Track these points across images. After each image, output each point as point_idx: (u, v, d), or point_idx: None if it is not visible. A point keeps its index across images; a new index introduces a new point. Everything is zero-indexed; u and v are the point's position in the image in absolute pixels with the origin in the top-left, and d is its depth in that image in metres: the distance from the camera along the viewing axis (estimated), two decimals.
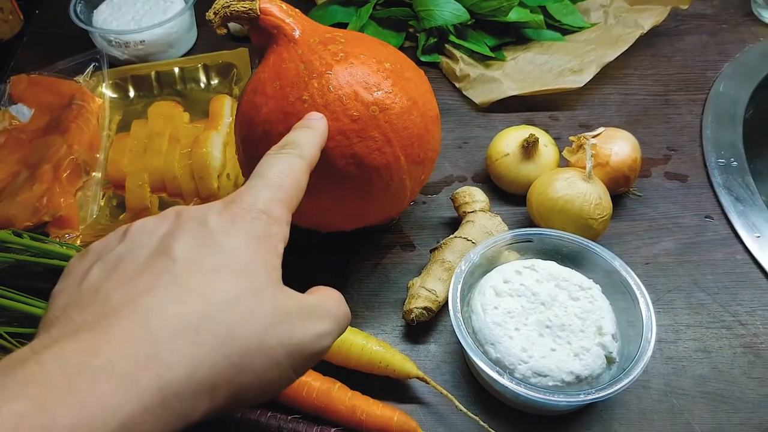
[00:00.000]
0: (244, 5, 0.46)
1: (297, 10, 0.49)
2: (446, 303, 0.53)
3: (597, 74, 0.70)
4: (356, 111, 0.46)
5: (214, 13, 0.45)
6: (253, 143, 0.49)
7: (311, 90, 0.46)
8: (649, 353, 0.45)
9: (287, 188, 0.34)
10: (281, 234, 0.32)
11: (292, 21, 0.48)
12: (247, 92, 0.50)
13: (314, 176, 0.48)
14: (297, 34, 0.47)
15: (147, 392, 0.23)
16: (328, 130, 0.44)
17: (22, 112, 0.71)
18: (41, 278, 0.58)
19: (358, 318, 0.54)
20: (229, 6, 0.46)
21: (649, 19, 0.74)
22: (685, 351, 0.51)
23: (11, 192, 0.62)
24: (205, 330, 0.25)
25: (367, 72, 0.47)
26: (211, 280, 0.27)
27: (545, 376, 0.45)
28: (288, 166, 0.35)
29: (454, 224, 0.60)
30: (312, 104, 0.46)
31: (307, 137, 0.39)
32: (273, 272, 0.30)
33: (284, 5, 0.48)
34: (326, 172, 0.47)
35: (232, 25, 0.77)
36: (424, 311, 0.52)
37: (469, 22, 0.73)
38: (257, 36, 0.49)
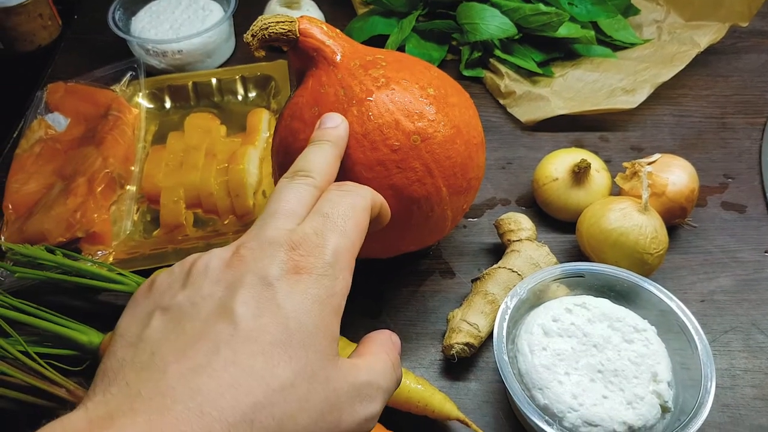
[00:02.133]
0: (283, 27, 0.44)
1: (338, 30, 0.47)
2: (488, 338, 0.51)
3: (650, 95, 0.66)
4: (397, 141, 0.44)
5: (252, 35, 0.44)
6: None
7: (350, 118, 0.44)
8: (709, 405, 0.42)
9: (352, 233, 0.32)
10: (346, 289, 0.30)
11: (333, 43, 0.46)
12: (285, 116, 0.48)
13: None
14: (338, 57, 0.45)
15: None
16: (364, 158, 0.42)
17: (59, 121, 0.70)
18: (72, 295, 0.57)
19: None
20: (267, 28, 0.44)
21: (706, 36, 0.70)
22: (743, 398, 0.48)
23: (45, 205, 0.61)
24: (258, 423, 0.25)
25: (409, 99, 0.45)
26: (268, 360, 0.26)
27: (596, 426, 0.42)
28: (351, 207, 0.33)
29: (496, 251, 0.58)
30: (351, 132, 0.44)
31: (367, 190, 0.36)
32: (332, 344, 0.29)
33: (325, 26, 0.46)
34: None
35: None
36: (465, 347, 0.49)
37: (517, 37, 0.71)
38: (296, 58, 0.47)
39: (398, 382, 0.33)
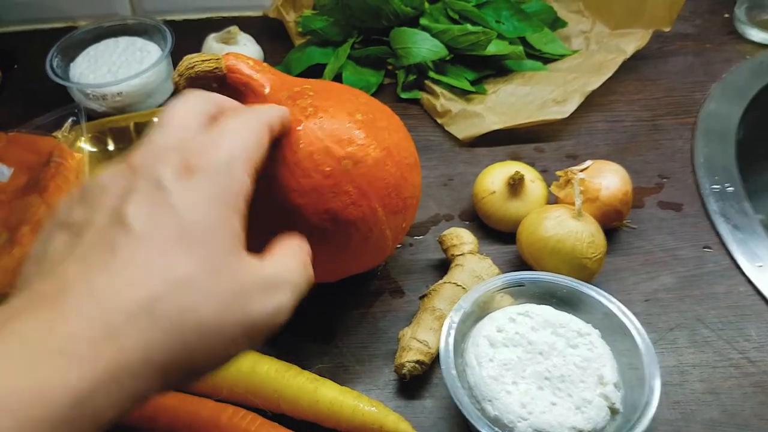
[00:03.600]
0: (209, 65, 0.45)
1: (265, 64, 0.48)
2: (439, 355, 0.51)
3: (582, 102, 0.68)
4: (328, 166, 0.45)
5: (179, 75, 0.44)
6: None
7: (281, 148, 0.44)
8: (655, 403, 0.43)
9: (248, 142, 0.32)
10: (244, 189, 0.30)
11: (261, 77, 0.46)
12: None
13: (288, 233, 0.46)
14: (266, 90, 0.46)
15: (101, 373, 0.24)
16: (297, 186, 0.43)
17: (2, 172, 0.69)
18: None
19: (348, 373, 0.52)
20: (193, 67, 0.44)
21: (632, 43, 0.73)
22: (693, 394, 0.49)
23: None
24: (159, 314, 0.25)
25: (338, 125, 0.46)
26: (165, 257, 0.27)
27: None
28: (246, 122, 0.33)
29: (443, 266, 0.58)
30: (282, 161, 0.44)
31: (266, 106, 0.38)
32: (233, 239, 0.29)
33: (251, 61, 0.47)
34: (301, 229, 0.45)
35: None
36: (416, 365, 0.49)
37: (448, 58, 0.72)
38: (226, 94, 0.47)
39: (310, 281, 0.33)
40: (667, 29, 0.74)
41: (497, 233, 0.60)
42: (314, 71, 0.74)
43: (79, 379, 0.23)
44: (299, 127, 0.45)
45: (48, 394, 0.23)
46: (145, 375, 0.25)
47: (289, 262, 0.33)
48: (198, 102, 0.34)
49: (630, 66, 0.74)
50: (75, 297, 0.25)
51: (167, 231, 0.27)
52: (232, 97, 0.47)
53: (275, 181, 0.45)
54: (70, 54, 0.78)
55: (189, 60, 0.45)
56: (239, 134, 0.32)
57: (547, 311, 0.49)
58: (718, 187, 0.62)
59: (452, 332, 0.47)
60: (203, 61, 0.45)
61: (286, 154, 0.45)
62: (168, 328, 0.26)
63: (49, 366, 0.23)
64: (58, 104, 0.73)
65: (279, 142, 0.45)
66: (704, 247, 0.58)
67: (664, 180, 0.64)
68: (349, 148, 0.46)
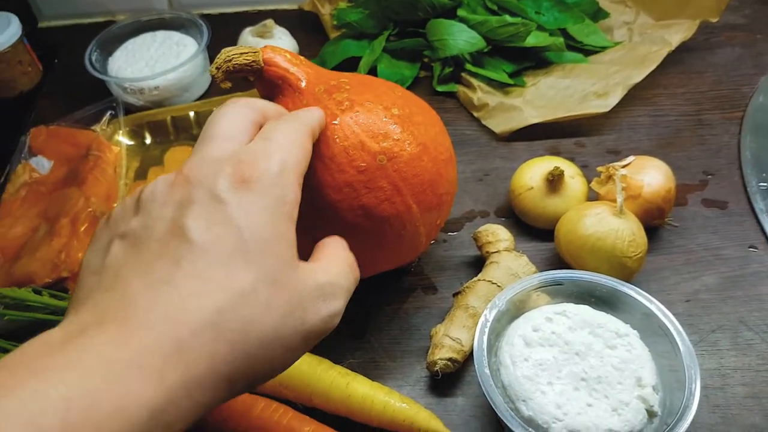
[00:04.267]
0: (247, 57, 0.44)
1: (302, 57, 0.47)
2: (473, 352, 0.50)
3: (624, 96, 0.66)
4: (363, 161, 0.44)
5: (217, 68, 0.44)
6: None
7: (317, 142, 0.44)
8: (695, 407, 0.41)
9: (296, 152, 0.33)
10: (296, 201, 0.31)
11: (297, 70, 0.46)
12: None
13: (323, 229, 0.46)
14: (303, 83, 0.46)
15: (172, 386, 0.24)
16: (332, 181, 0.43)
17: (42, 164, 0.71)
18: None
19: (379, 369, 0.52)
20: (231, 60, 0.44)
21: (677, 34, 0.71)
22: (734, 398, 0.47)
23: (31, 248, 0.62)
24: (224, 326, 0.26)
25: (374, 120, 0.45)
26: (227, 269, 0.27)
27: None
28: (293, 130, 0.34)
29: (477, 263, 0.57)
30: (317, 156, 0.44)
31: (305, 112, 0.38)
32: (289, 249, 0.30)
33: (288, 54, 0.46)
34: (335, 225, 0.45)
35: None
36: (449, 362, 0.49)
37: (486, 49, 0.71)
38: (262, 87, 0.47)
39: (356, 281, 0.34)
40: (714, 20, 0.71)
41: (534, 230, 0.59)
42: (349, 64, 0.73)
43: (154, 392, 0.24)
44: (335, 122, 0.45)
45: (127, 407, 0.23)
46: (212, 386, 0.26)
47: (339, 266, 0.33)
48: (242, 111, 0.34)
49: (675, 58, 0.71)
50: (143, 311, 0.25)
51: (227, 243, 0.28)
52: (268, 91, 0.48)
53: (310, 176, 0.45)
54: (109, 48, 0.80)
55: (227, 53, 0.45)
56: (287, 144, 0.32)
57: (584, 311, 0.48)
58: (765, 184, 0.59)
59: (486, 330, 0.46)
60: (241, 54, 0.45)
61: (321, 148, 0.44)
62: (232, 340, 0.26)
63: (126, 380, 0.23)
64: (96, 98, 0.75)
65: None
66: (750, 247, 0.56)
67: (709, 177, 0.62)
68: (384, 143, 0.45)
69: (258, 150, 0.31)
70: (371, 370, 0.50)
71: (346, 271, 0.34)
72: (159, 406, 0.24)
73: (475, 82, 0.71)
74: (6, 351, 0.51)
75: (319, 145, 0.44)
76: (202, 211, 0.28)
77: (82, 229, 0.62)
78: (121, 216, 0.31)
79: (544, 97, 0.68)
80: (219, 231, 0.28)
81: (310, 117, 0.37)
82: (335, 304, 0.31)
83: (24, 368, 0.23)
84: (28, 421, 0.21)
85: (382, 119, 0.46)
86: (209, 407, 0.26)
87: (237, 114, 0.34)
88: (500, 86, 0.71)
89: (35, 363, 0.23)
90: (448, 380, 0.50)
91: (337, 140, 0.44)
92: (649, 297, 0.47)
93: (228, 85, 0.46)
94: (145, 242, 0.28)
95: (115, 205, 0.66)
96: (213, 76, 0.45)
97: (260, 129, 0.34)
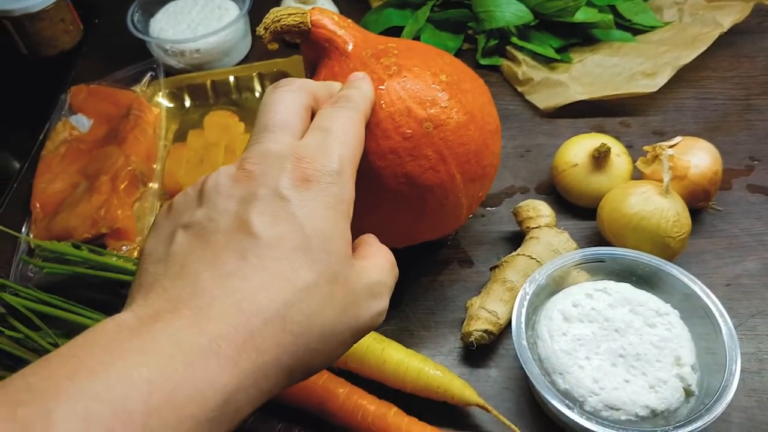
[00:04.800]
0: (295, 18, 0.44)
1: (350, 20, 0.47)
2: (508, 325, 0.50)
3: (672, 77, 0.65)
4: (409, 128, 0.44)
5: (265, 28, 0.44)
6: None
7: None
8: (734, 388, 0.41)
9: (353, 144, 0.33)
10: (352, 197, 0.32)
11: (345, 33, 0.46)
12: None
13: (364, 195, 0.46)
14: (350, 47, 0.45)
15: (244, 373, 0.25)
16: (377, 147, 0.43)
17: (82, 123, 0.72)
18: (99, 290, 0.58)
19: (414, 338, 0.52)
20: (279, 20, 0.44)
21: (729, 16, 0.69)
22: None
23: (71, 203, 0.63)
24: (290, 319, 0.27)
25: (421, 86, 0.45)
26: (291, 264, 0.28)
27: (618, 409, 0.42)
28: (348, 120, 0.34)
29: (515, 239, 0.57)
30: None
31: (356, 91, 0.38)
32: (347, 246, 0.31)
33: (336, 16, 0.46)
34: (377, 191, 0.45)
35: None
36: (484, 334, 0.49)
37: (533, 23, 0.70)
38: (309, 49, 0.47)
39: (396, 278, 0.35)
40: None
41: (575, 208, 0.59)
42: (391, 34, 0.72)
43: (228, 379, 0.25)
44: (381, 87, 0.44)
45: (204, 392, 0.24)
46: (276, 375, 0.27)
47: (384, 264, 0.34)
48: (296, 97, 0.35)
49: (725, 41, 0.69)
50: (216, 300, 0.26)
51: (291, 239, 0.29)
52: (314, 53, 0.47)
53: None
54: (151, 9, 0.80)
55: (275, 13, 0.45)
56: (343, 135, 0.33)
57: (625, 289, 0.47)
58: None
59: (525, 303, 0.46)
60: (289, 14, 0.45)
61: None
62: (297, 333, 0.27)
63: (204, 365, 0.24)
64: (137, 59, 0.75)
65: None
66: None
67: (755, 162, 0.61)
68: (431, 110, 0.45)
69: (316, 145, 0.32)
70: (406, 339, 0.50)
71: (390, 269, 0.34)
72: (231, 393, 0.25)
73: (520, 56, 0.70)
74: (45, 303, 0.52)
75: None
76: (265, 207, 0.29)
77: (122, 187, 0.63)
78: (185, 206, 0.31)
79: (590, 75, 0.67)
80: (283, 227, 0.29)
81: (363, 99, 0.38)
82: (383, 303, 0.32)
83: (102, 350, 0.24)
84: (116, 403, 0.22)
85: (429, 85, 0.45)
86: (270, 395, 0.27)
87: (291, 101, 0.34)
88: (546, 61, 0.70)
89: (113, 345, 0.24)
90: (481, 352, 0.50)
91: (384, 106, 0.44)
92: (692, 277, 0.46)
93: (275, 46, 0.46)
94: (211, 234, 0.29)
95: (155, 166, 0.67)
96: (260, 37, 0.44)
97: (314, 114, 0.35)
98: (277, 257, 0.28)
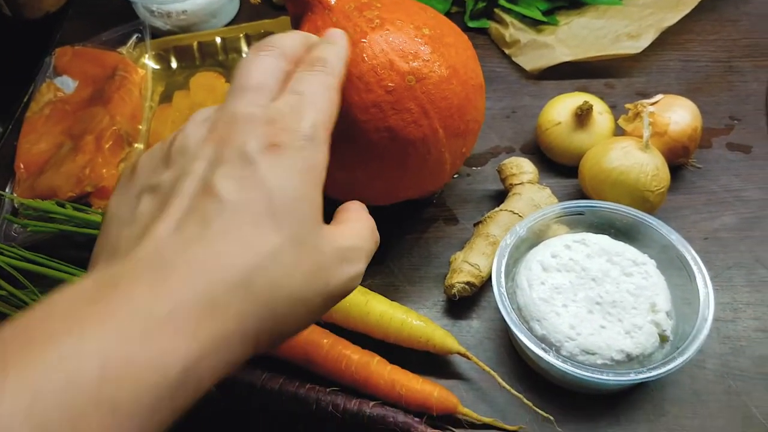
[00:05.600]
0: None
1: None
2: (490, 278, 0.51)
3: (656, 40, 0.66)
4: (391, 81, 0.44)
5: None
6: None
7: None
8: (706, 332, 0.42)
9: (326, 109, 0.32)
10: (325, 162, 0.31)
11: None
12: None
13: (347, 149, 0.46)
14: (333, 0, 0.45)
15: (205, 342, 0.24)
16: (359, 100, 0.42)
17: (67, 84, 0.72)
18: (85, 248, 0.59)
19: (398, 292, 0.53)
20: None
21: None
22: (745, 330, 0.48)
23: (55, 163, 0.63)
24: (255, 285, 0.26)
25: (404, 39, 0.45)
26: (256, 230, 0.27)
27: (593, 354, 0.43)
28: (323, 84, 0.33)
29: (500, 197, 0.58)
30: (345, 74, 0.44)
31: (333, 52, 0.36)
32: (316, 212, 0.30)
33: None
34: (360, 145, 0.46)
35: None
36: (466, 286, 0.50)
37: None
38: (293, 4, 0.47)
39: (377, 244, 0.34)
40: None
41: (558, 166, 0.59)
42: None
43: (187, 348, 0.24)
44: (364, 40, 0.45)
45: (162, 362, 0.23)
46: (240, 344, 0.26)
47: (361, 230, 0.33)
48: (272, 61, 0.34)
49: (709, 5, 0.70)
50: (177, 267, 0.25)
51: (256, 204, 0.28)
52: (298, 8, 0.47)
53: None
54: None
55: None
56: (318, 100, 0.32)
57: (603, 240, 0.48)
58: None
59: (506, 254, 0.47)
60: None
61: (349, 67, 0.44)
62: (261, 300, 0.26)
63: (162, 335, 0.23)
64: (123, 21, 0.74)
65: None
66: None
67: (735, 122, 0.62)
68: (414, 63, 0.45)
69: (289, 109, 0.31)
70: (390, 293, 0.51)
71: (368, 234, 0.34)
72: (192, 362, 0.24)
73: (507, 18, 0.70)
74: (31, 262, 0.52)
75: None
76: (232, 171, 0.28)
77: (107, 146, 0.63)
78: (151, 167, 0.31)
79: (576, 37, 0.67)
80: (249, 192, 0.28)
81: (338, 62, 0.36)
82: (356, 268, 0.31)
83: (58, 320, 0.23)
84: (68, 375, 0.21)
85: (412, 39, 0.45)
86: (235, 365, 0.26)
87: (268, 62, 0.33)
88: (533, 24, 0.70)
89: (69, 315, 0.23)
90: (464, 304, 0.51)
91: (366, 59, 0.44)
92: (669, 228, 0.47)
93: (258, 0, 0.46)
94: (176, 197, 0.28)
95: (141, 126, 0.67)
96: None
97: (290, 77, 0.34)
98: (241, 222, 0.27)
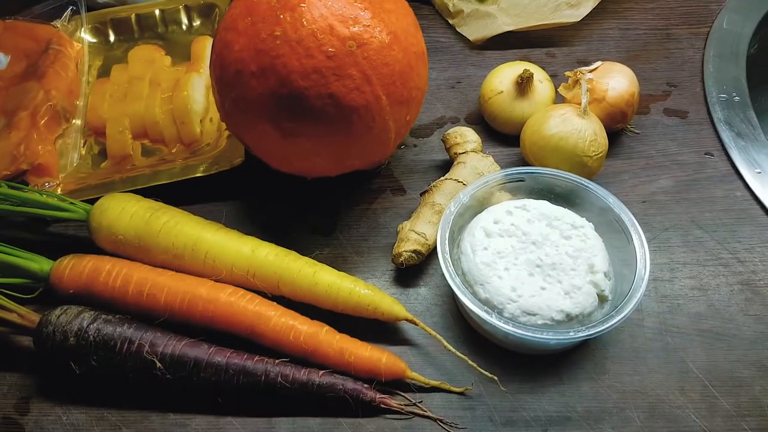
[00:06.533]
0: None
1: None
2: (436, 246, 0.52)
3: (596, 8, 0.67)
4: (332, 47, 0.44)
5: None
6: (227, 84, 0.47)
7: (284, 25, 0.44)
8: (643, 290, 0.44)
9: None
10: None
11: None
12: (220, 30, 0.48)
13: (292, 118, 0.46)
14: None
15: None
16: (300, 66, 0.42)
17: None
18: (23, 228, 0.57)
19: (347, 263, 0.53)
20: None
21: None
22: (681, 289, 0.50)
23: None
24: None
25: (343, 4, 0.45)
26: None
27: (534, 314, 0.44)
28: None
29: (446, 167, 0.58)
30: (284, 40, 0.43)
31: None
32: None
33: None
34: (303, 113, 0.45)
35: None
36: (413, 254, 0.50)
37: None
38: None
39: None
40: None
41: (502, 136, 0.60)
42: None
43: None
44: (303, 5, 0.44)
45: None
46: None
47: None
48: None
49: None
50: None
51: None
52: None
53: (277, 61, 0.44)
54: None
55: None
56: None
57: (543, 205, 0.49)
58: (725, 96, 0.61)
59: (450, 221, 0.48)
60: None
61: (288, 32, 0.44)
62: None
63: None
64: None
65: (280, 19, 0.44)
66: (706, 154, 0.58)
67: (672, 88, 0.63)
68: (354, 28, 0.45)
69: None
70: (339, 265, 0.51)
71: None
72: None
73: None
74: None
75: (287, 28, 0.44)
76: None
77: (42, 122, 0.61)
78: None
79: (518, 6, 0.68)
80: None
81: None
82: None
83: None
84: None
85: (352, 3, 0.45)
86: None
87: None
88: None
89: None
90: (412, 272, 0.52)
91: (305, 23, 0.44)
92: (606, 192, 0.49)
93: None
94: None
95: (78, 102, 0.65)
96: None
97: None
98: None
